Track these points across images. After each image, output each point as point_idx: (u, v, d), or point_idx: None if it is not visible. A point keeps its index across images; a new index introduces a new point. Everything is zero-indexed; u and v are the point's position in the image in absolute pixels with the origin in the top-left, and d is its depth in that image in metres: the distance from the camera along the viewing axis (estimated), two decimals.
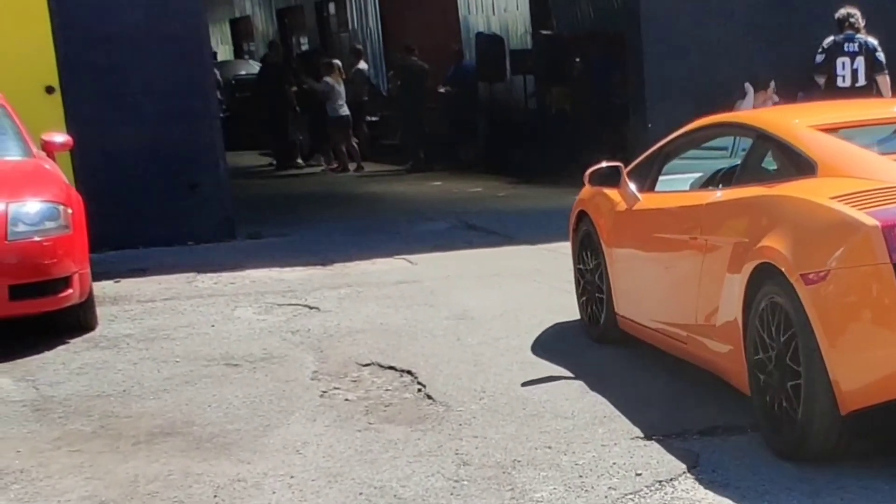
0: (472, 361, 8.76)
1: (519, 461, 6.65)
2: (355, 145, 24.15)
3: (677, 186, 8.42)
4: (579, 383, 8.05)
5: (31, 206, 9.59)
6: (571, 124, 21.07)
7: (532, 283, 11.30)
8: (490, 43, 23.47)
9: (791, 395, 6.29)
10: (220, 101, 31.31)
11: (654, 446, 6.77)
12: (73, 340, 9.85)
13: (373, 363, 8.88)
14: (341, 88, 23.99)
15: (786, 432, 6.36)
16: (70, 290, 9.63)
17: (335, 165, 24.29)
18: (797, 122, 7.41)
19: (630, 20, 16.89)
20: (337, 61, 24.61)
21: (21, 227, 9.42)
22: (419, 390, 8.16)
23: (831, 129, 7.14)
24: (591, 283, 9.25)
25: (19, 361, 9.22)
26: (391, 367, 8.74)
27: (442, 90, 24.22)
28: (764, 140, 7.39)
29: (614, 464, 6.55)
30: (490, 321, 9.99)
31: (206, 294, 11.59)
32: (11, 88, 13.41)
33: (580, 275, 9.52)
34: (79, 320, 10.07)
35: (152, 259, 13.64)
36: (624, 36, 17.34)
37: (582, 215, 9.39)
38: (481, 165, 22.97)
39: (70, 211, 9.77)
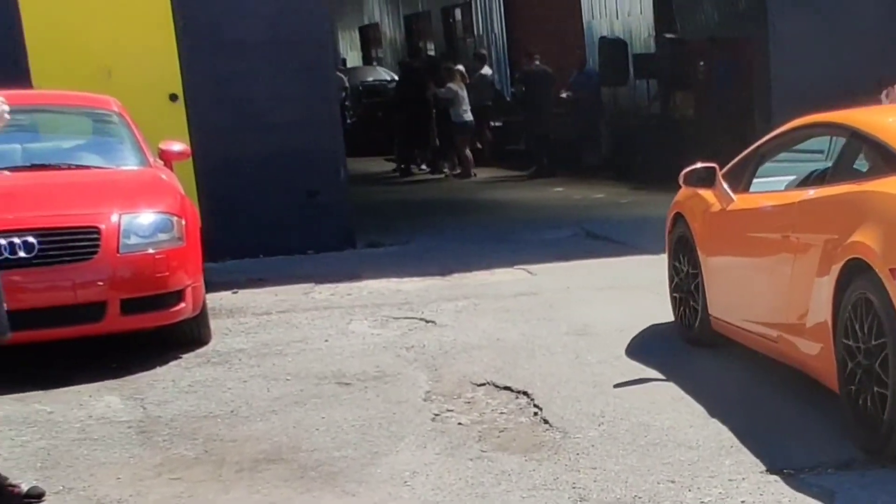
0: (592, 382, 8.19)
1: (640, 497, 6.09)
2: (468, 153, 23.59)
3: (772, 187, 8.20)
4: (701, 408, 7.45)
5: (145, 218, 9.17)
6: (695, 129, 20.31)
7: (654, 295, 10.64)
8: (613, 47, 22.81)
9: (876, 396, 6.21)
10: (347, 108, 31.33)
11: (786, 482, 6.17)
12: (185, 355, 9.43)
13: (488, 383, 8.34)
14: (465, 94, 23.46)
15: (870, 428, 6.29)
16: (183, 304, 9.20)
17: (458, 171, 23.77)
18: (891, 120, 7.26)
19: (757, 22, 16.16)
20: (460, 67, 24.08)
21: (134, 240, 9.01)
22: (535, 414, 7.60)
23: None
24: (686, 284, 9.10)
25: (130, 378, 8.81)
26: (507, 388, 8.20)
27: (564, 95, 23.58)
28: (857, 139, 7.19)
29: (742, 502, 5.98)
30: (611, 337, 9.40)
31: (322, 306, 11.12)
32: (135, 96, 13.14)
33: (675, 275, 9.36)
34: (192, 334, 9.65)
35: (271, 269, 13.22)
36: (750, 39, 16.66)
37: (677, 217, 9.27)
38: (604, 171, 22.26)
39: (184, 222, 9.35)
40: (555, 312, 10.39)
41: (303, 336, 9.94)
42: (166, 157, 10.68)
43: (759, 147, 8.51)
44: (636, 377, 8.24)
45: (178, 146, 10.81)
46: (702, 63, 21.21)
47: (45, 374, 8.93)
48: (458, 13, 34.58)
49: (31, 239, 8.67)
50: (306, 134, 14.15)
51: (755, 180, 8.41)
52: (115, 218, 9.00)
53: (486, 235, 15.12)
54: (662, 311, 9.68)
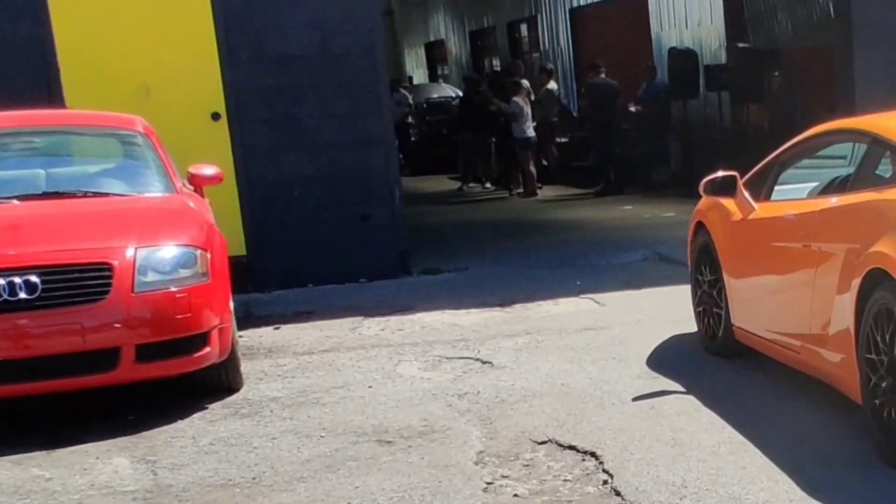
0: (671, 440, 6.92)
1: None
2: (533, 170, 22.31)
3: (793, 195, 7.95)
4: (799, 477, 6.16)
5: (166, 252, 8.00)
6: (769, 143, 18.85)
7: None
8: (683, 58, 21.41)
9: None
10: (412, 125, 30.18)
11: None
12: (212, 405, 8.24)
13: (550, 440, 7.10)
14: (529, 109, 22.21)
15: None
16: (207, 349, 8.01)
17: (522, 190, 22.50)
18: None
19: (840, 31, 14.80)
20: (525, 81, 22.81)
21: (151, 277, 7.83)
22: (605, 482, 6.37)
23: None
24: (709, 294, 8.82)
25: (146, 434, 7.62)
26: (571, 447, 6.96)
27: (633, 109, 22.22)
28: (878, 145, 6.93)
29: None
30: (696, 378, 8.16)
31: (370, 344, 9.90)
32: (175, 115, 12.13)
33: (697, 286, 9.09)
34: (221, 381, 8.46)
35: (319, 299, 12.03)
36: (829, 48, 15.36)
37: (699, 227, 9.06)
38: (674, 188, 20.78)
39: (209, 256, 8.15)
40: (625, 350, 9.12)
41: (345, 381, 8.73)
42: (196, 183, 9.50)
43: (779, 154, 8.21)
44: (721, 434, 6.96)
45: (210, 170, 9.58)
46: (776, 73, 19.99)
47: (53, 430, 7.77)
48: (523, 28, 33.38)
49: (33, 278, 7.51)
50: (358, 153, 12.95)
51: (777, 188, 8.13)
52: (130, 252, 7.82)
53: (549, 260, 13.82)
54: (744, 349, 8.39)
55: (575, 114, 26.31)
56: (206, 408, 8.18)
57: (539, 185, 22.32)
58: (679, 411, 7.47)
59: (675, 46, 22.52)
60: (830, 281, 6.68)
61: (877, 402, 6.24)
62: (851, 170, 7.35)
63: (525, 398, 7.99)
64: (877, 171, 6.99)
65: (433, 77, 41.00)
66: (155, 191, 8.99)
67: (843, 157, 7.90)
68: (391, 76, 33.73)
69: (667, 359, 8.84)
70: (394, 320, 10.82)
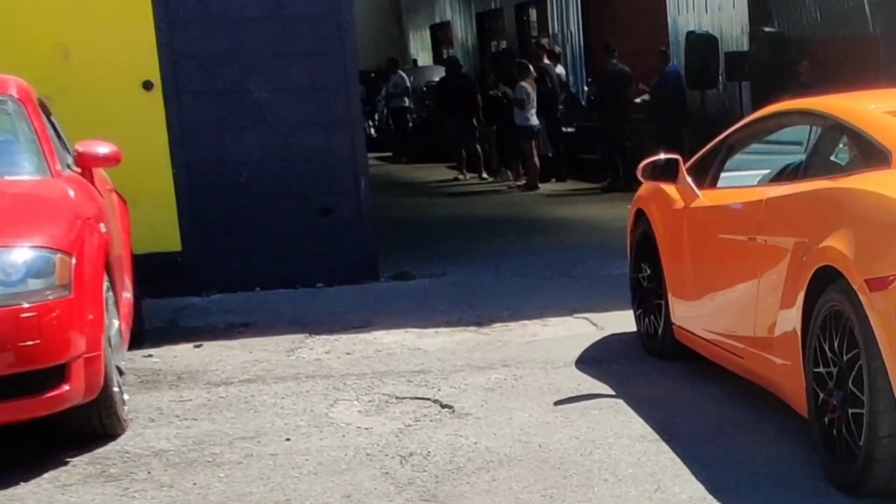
0: None
1: None
2: (536, 161, 20.21)
3: (741, 183, 7.20)
4: None
5: (15, 255, 5.92)
6: None
7: None
8: (701, 43, 19.18)
9: (852, 419, 5.29)
10: (409, 110, 28.08)
11: None
12: (76, 459, 6.16)
13: None
14: (535, 95, 20.08)
15: (846, 462, 5.34)
16: (66, 387, 5.91)
17: (522, 182, 20.39)
18: (873, 107, 6.29)
19: (877, 18, 12.75)
20: (524, 64, 20.62)
21: None
22: None
23: None
24: (649, 289, 8.08)
25: None
26: None
27: (638, 100, 20.03)
28: (834, 128, 6.30)
29: None
30: (708, 446, 6.07)
31: (306, 374, 7.81)
32: (97, 84, 10.34)
33: (637, 280, 8.32)
34: (91, 426, 6.37)
35: (263, 308, 9.98)
36: (866, 36, 13.37)
37: (639, 215, 8.23)
38: None
39: (73, 262, 6.04)
40: (627, 395, 7.05)
41: (258, 428, 6.63)
42: (85, 164, 7.37)
43: (727, 137, 7.46)
44: None
45: (104, 148, 7.40)
46: (805, 63, 17.89)
47: None
48: (532, 11, 31.29)
49: None
50: (318, 135, 10.87)
51: (724, 174, 7.39)
52: None
53: (543, 267, 11.68)
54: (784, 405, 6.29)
55: (584, 102, 24.15)
56: (67, 463, 6.10)
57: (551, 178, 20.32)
58: (693, 496, 5.39)
59: (694, 30, 20.37)
60: (777, 279, 6.01)
61: (825, 419, 5.53)
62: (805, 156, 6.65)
63: (488, 465, 5.89)
64: (832, 158, 6.30)
65: (438, 60, 38.85)
66: (22, 173, 6.86)
67: (800, 143, 6.88)
68: (389, 56, 32.07)
69: (679, 409, 6.76)
70: (344, 340, 8.75)
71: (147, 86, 10.42)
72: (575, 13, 27.89)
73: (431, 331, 8.99)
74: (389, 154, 28.86)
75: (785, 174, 6.78)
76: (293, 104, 10.76)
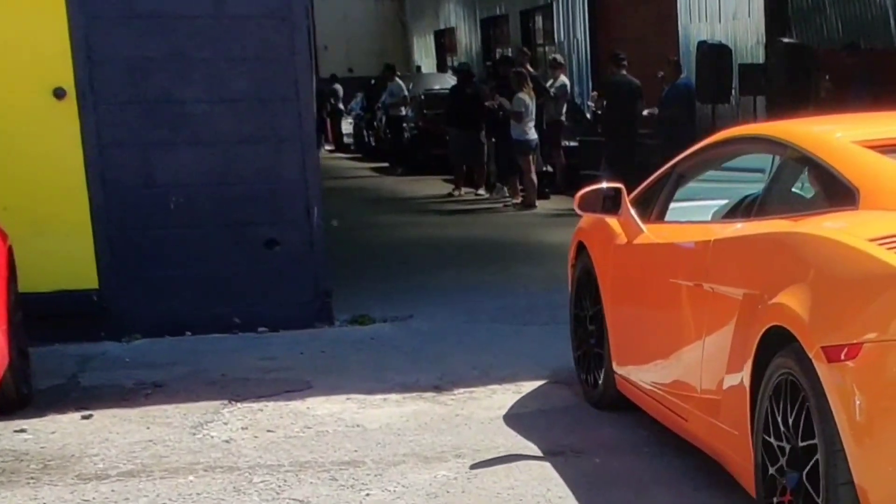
0: None
1: None
2: (534, 177, 18.45)
3: (692, 217, 6.24)
4: None
5: None
6: None
7: None
8: (713, 54, 17.38)
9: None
10: (406, 119, 26.34)
11: None
12: None
13: None
14: (534, 106, 18.37)
15: None
16: None
17: (518, 200, 18.65)
18: (840, 135, 5.28)
19: None
20: (523, 72, 18.84)
21: None
22: None
23: (885, 147, 4.95)
24: (591, 331, 7.08)
25: None
26: None
27: (645, 113, 18.23)
28: (795, 159, 5.30)
29: None
30: None
31: (204, 465, 6.05)
32: (2, 89, 8.38)
33: (577, 320, 7.32)
34: None
35: (188, 360, 8.28)
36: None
37: (581, 248, 7.24)
38: None
39: None
40: None
41: None
42: None
43: (675, 164, 6.50)
44: None
45: None
46: (827, 77, 16.20)
47: None
48: (539, 18, 29.65)
49: None
50: (262, 154, 9.13)
51: (674, 205, 6.42)
52: None
53: (525, 309, 9.90)
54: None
55: (588, 115, 22.39)
56: None
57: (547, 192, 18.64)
58: None
59: (706, 40, 18.64)
60: (725, 334, 5.08)
61: (774, 500, 4.62)
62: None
63: None
64: (791, 194, 5.43)
65: (442, 67, 37.19)
66: None
67: (762, 171, 5.80)
68: (386, 63, 30.38)
69: None
70: (269, 410, 7.03)
71: (58, 94, 8.68)
72: (582, 20, 26.34)
73: (379, 397, 7.27)
74: (386, 164, 27.22)
75: (741, 209, 5.79)
76: (234, 117, 9.04)
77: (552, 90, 20.00)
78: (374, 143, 30.65)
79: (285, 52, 9.09)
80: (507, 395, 7.32)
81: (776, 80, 16.25)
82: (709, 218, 6.14)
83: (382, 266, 12.23)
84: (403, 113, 26.24)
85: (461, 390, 7.41)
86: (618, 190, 6.38)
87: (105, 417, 6.90)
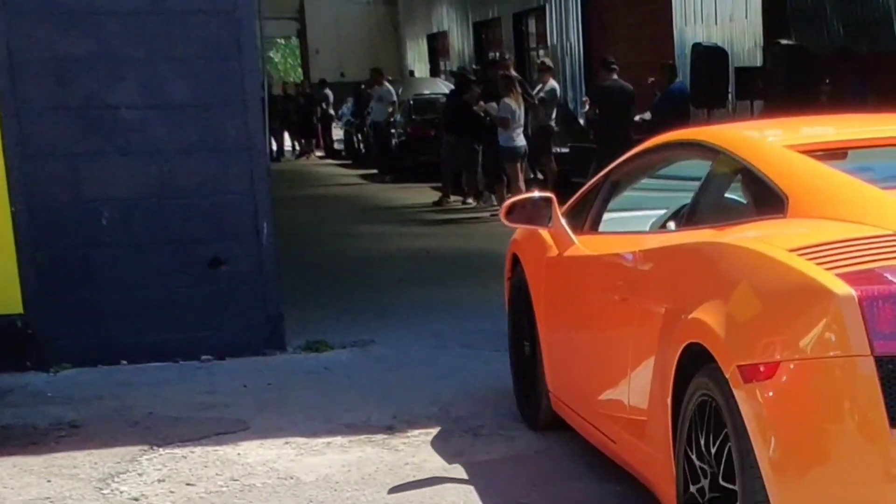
0: None
1: None
2: (522, 186, 17.48)
3: (628, 227, 5.78)
4: None
5: None
6: None
7: None
8: (708, 57, 16.47)
9: None
10: (397, 124, 25.42)
11: None
12: None
13: None
14: (521, 111, 17.43)
15: None
16: None
17: None
18: (772, 140, 5.07)
19: None
20: (512, 76, 17.90)
21: None
22: None
23: (819, 151, 4.69)
24: (525, 349, 6.57)
25: None
26: None
27: (637, 118, 17.28)
28: (726, 164, 4.94)
29: None
30: None
31: None
32: None
33: (514, 338, 6.83)
34: None
35: (116, 394, 7.40)
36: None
37: (516, 260, 6.73)
38: None
39: None
40: None
41: None
42: None
43: (610, 172, 6.03)
44: None
45: None
46: (827, 80, 15.33)
47: None
48: (531, 21, 28.76)
49: None
50: (206, 165, 8.22)
51: (609, 216, 5.91)
52: None
53: (500, 333, 8.89)
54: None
55: (581, 120, 21.47)
56: None
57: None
58: None
59: (701, 42, 17.73)
60: (648, 352, 4.65)
61: None
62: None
63: None
64: (721, 202, 4.98)
65: (435, 72, 36.29)
66: None
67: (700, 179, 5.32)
68: (373, 67, 29.48)
69: None
70: (194, 458, 6.12)
71: None
72: (575, 23, 25.43)
73: (322, 441, 6.35)
74: (375, 171, 26.31)
75: (675, 218, 5.34)
76: (173, 124, 8.13)
77: (541, 94, 19.07)
78: (363, 150, 29.75)
79: (230, 52, 8.16)
80: (466, 437, 6.40)
81: (774, 83, 15.33)
82: (647, 228, 5.67)
83: (351, 282, 11.32)
84: (391, 119, 25.33)
85: (416, 432, 6.49)
86: (548, 199, 5.94)
87: (4, 467, 6.00)
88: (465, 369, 7.86)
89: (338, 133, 33.93)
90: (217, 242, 8.24)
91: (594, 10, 24.81)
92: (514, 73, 19.01)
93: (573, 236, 5.87)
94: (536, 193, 6.09)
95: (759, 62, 17.40)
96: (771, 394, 3.70)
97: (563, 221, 5.94)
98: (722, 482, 4.05)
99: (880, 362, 3.48)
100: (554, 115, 19.37)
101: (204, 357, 8.20)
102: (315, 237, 14.91)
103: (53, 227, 7.99)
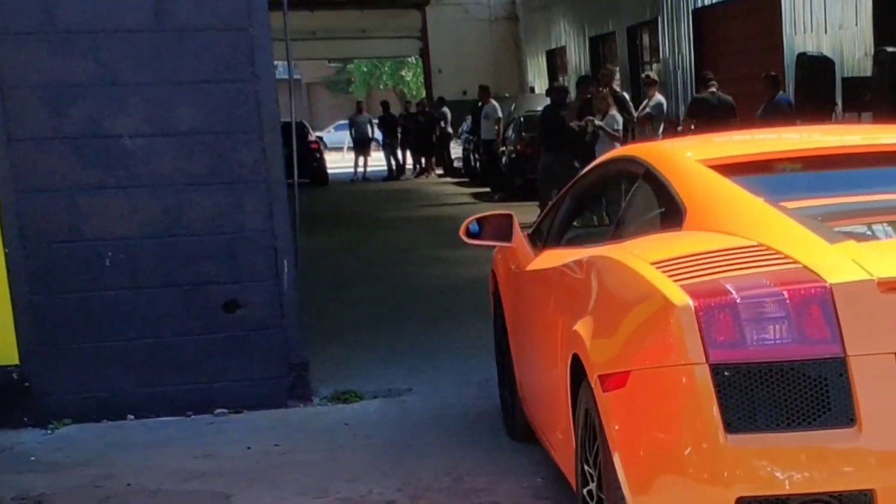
0: None
1: None
2: None
3: (584, 241, 5.45)
4: None
5: None
6: None
7: None
8: (813, 67, 15.02)
9: None
10: (510, 140, 24.26)
11: None
12: None
13: None
14: (621, 128, 16.21)
15: None
16: None
17: None
18: (689, 154, 5.00)
19: None
20: (607, 92, 16.63)
21: None
22: None
23: (730, 165, 4.64)
24: (506, 361, 6.45)
25: None
26: None
27: (680, 129, 15.96)
28: (648, 179, 4.87)
29: None
30: None
31: None
32: None
33: (497, 351, 6.78)
34: None
35: (103, 458, 6.41)
36: None
37: (494, 276, 6.73)
38: None
39: None
40: None
41: None
42: None
43: (571, 188, 5.98)
44: None
45: None
46: None
47: None
48: (645, 35, 27.42)
49: None
50: (218, 199, 7.17)
51: (576, 231, 5.84)
52: None
53: None
54: None
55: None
56: None
57: None
58: None
59: (805, 52, 16.27)
60: (558, 364, 4.63)
61: None
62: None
63: None
64: (638, 215, 4.85)
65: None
66: None
67: None
68: (480, 84, 28.36)
69: None
70: None
71: None
72: (686, 35, 23.99)
73: None
74: (488, 189, 25.23)
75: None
76: (181, 154, 7.10)
77: (647, 109, 17.83)
78: (478, 167, 28.70)
79: (245, 74, 7.12)
80: None
81: (880, 93, 13.83)
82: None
83: (414, 316, 10.20)
84: (498, 137, 24.23)
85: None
86: (508, 216, 5.95)
87: None
88: (499, 426, 6.68)
89: (457, 151, 32.94)
90: (232, 284, 7.19)
91: (706, 21, 23.42)
92: (616, 89, 17.88)
93: (531, 252, 5.77)
94: (497, 211, 6.05)
95: (869, 72, 15.92)
96: (622, 403, 3.75)
97: (523, 237, 5.92)
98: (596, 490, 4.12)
99: (716, 370, 3.45)
100: (661, 130, 18.11)
101: (218, 411, 7.17)
102: (396, 263, 13.86)
103: (51, 269, 7.00)
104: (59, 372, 7.05)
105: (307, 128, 32.83)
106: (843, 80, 15.32)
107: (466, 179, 29.93)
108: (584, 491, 4.28)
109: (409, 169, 34.03)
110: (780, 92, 15.60)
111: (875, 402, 3.42)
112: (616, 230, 4.98)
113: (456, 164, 32.68)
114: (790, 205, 4.21)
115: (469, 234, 5.92)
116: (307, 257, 14.88)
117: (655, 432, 3.63)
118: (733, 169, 4.60)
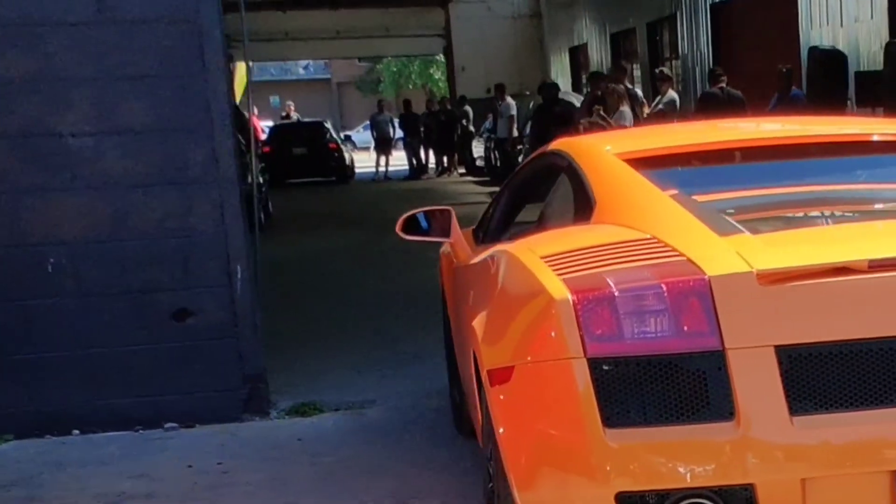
0: None
1: None
2: None
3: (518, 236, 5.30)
4: None
5: None
6: None
7: None
8: (825, 61, 14.41)
9: None
10: (519, 139, 23.74)
11: None
12: None
13: None
14: (631, 123, 15.71)
15: None
16: None
17: None
18: (608, 148, 4.86)
19: None
20: (620, 88, 16.14)
21: None
22: None
23: (648, 159, 4.55)
24: (450, 359, 6.36)
25: None
26: None
27: None
28: (569, 173, 4.78)
29: None
30: None
31: None
32: None
33: (447, 350, 6.48)
34: None
35: (33, 478, 5.96)
36: None
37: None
38: None
39: None
40: None
41: None
42: None
43: (507, 182, 5.98)
44: None
45: None
46: None
47: None
48: (665, 30, 26.86)
49: None
50: (166, 200, 6.70)
51: (519, 227, 5.53)
52: None
53: None
54: None
55: None
56: None
57: None
58: None
59: (817, 46, 15.71)
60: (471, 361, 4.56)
61: None
62: None
63: None
64: (562, 204, 4.73)
65: (576, 85, 34.45)
66: None
67: None
68: (496, 83, 27.85)
69: None
70: None
71: None
72: (705, 30, 23.46)
73: None
74: None
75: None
76: (127, 153, 6.64)
77: (660, 106, 17.31)
78: (499, 165, 28.19)
79: (194, 68, 6.65)
80: None
81: (891, 86, 13.24)
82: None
83: (397, 322, 9.70)
84: (515, 134, 23.73)
85: None
86: (446, 212, 5.78)
87: None
88: (458, 436, 6.19)
89: (479, 150, 32.43)
90: (182, 290, 6.72)
91: (723, 16, 22.89)
92: (628, 85, 17.42)
93: (469, 248, 5.63)
94: (435, 207, 5.84)
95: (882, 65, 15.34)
96: (506, 397, 3.73)
97: (462, 234, 5.78)
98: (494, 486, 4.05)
99: (594, 364, 3.39)
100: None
101: (168, 425, 6.69)
102: (396, 265, 13.36)
103: None
104: (6, 383, 6.59)
105: (327, 128, 32.45)
106: (856, 74, 14.73)
107: (487, 178, 29.43)
108: (489, 487, 4.20)
109: (432, 168, 33.56)
110: (794, 87, 15.03)
111: (754, 395, 3.33)
112: (538, 224, 4.95)
113: (478, 162, 32.18)
114: (703, 198, 4.10)
115: (406, 229, 5.72)
116: (307, 258, 14.46)
117: (538, 427, 3.58)
118: (649, 162, 4.49)
